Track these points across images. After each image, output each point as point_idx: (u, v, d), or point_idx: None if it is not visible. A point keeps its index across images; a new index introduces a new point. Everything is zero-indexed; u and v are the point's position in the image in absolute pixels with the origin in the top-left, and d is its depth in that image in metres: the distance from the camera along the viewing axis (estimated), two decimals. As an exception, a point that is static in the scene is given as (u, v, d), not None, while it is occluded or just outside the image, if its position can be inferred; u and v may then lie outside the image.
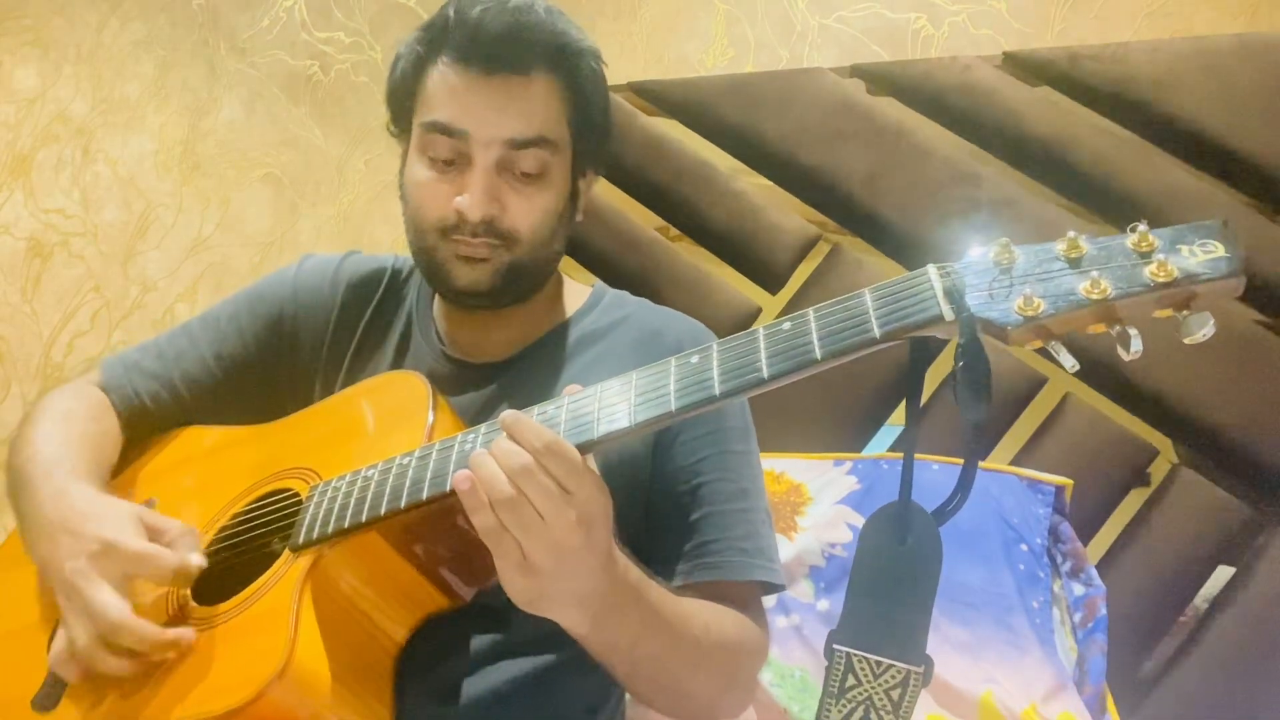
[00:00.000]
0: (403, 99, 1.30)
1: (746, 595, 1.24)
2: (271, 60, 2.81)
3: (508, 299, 1.30)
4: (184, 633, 1.06)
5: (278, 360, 1.41)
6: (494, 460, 0.93)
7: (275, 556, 1.11)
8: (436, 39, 1.25)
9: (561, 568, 0.94)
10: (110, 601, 1.05)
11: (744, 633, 1.20)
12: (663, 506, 1.25)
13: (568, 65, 1.26)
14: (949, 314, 0.83)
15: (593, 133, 1.31)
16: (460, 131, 1.22)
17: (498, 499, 0.92)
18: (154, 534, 1.12)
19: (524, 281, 1.30)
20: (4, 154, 2.32)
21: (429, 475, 1.03)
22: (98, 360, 1.45)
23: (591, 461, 0.97)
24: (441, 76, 1.25)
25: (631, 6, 2.80)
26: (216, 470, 1.31)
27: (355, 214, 2.95)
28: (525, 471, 0.91)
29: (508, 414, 0.95)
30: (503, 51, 1.21)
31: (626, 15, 2.80)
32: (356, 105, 2.73)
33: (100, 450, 1.33)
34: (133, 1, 2.54)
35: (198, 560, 1.09)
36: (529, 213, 1.25)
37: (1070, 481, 1.94)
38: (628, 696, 1.38)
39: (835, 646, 0.94)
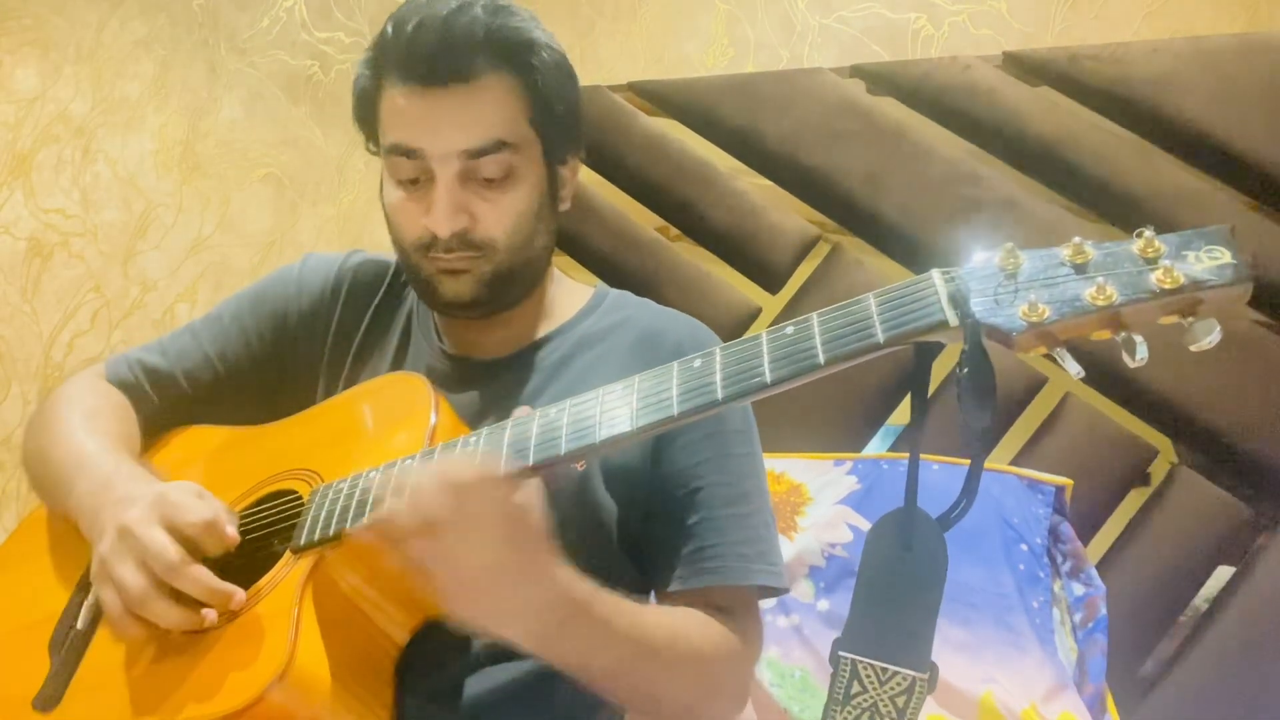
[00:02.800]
0: (367, 122, 1.30)
1: (743, 599, 1.23)
2: (271, 60, 2.81)
3: (498, 304, 1.29)
4: (236, 589, 1.06)
5: (280, 359, 1.40)
6: (408, 498, 0.95)
7: (277, 558, 1.11)
8: (380, 59, 1.24)
9: (481, 589, 0.96)
10: (166, 542, 1.04)
11: (721, 640, 1.18)
12: (662, 510, 1.25)
13: (516, 60, 1.23)
14: (953, 320, 0.83)
15: (558, 123, 1.28)
16: (416, 150, 1.21)
17: (410, 534, 0.94)
18: None
19: (512, 285, 1.29)
20: (4, 154, 2.31)
21: None
22: (98, 360, 1.45)
23: (536, 484, 0.99)
24: (391, 97, 1.23)
25: (631, 6, 2.80)
26: (218, 471, 1.31)
27: (355, 214, 2.94)
28: (432, 507, 0.93)
29: (441, 460, 0.98)
30: (441, 62, 1.19)
31: (626, 15, 2.79)
32: (356, 105, 2.72)
33: (133, 449, 1.33)
34: (133, 1, 2.53)
35: (232, 531, 1.09)
36: (500, 218, 1.24)
37: (1070, 481, 1.94)
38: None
39: (841, 653, 0.94)
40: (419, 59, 1.19)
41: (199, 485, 1.15)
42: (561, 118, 1.28)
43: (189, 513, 1.08)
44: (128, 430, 1.35)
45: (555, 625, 1.01)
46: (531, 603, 0.98)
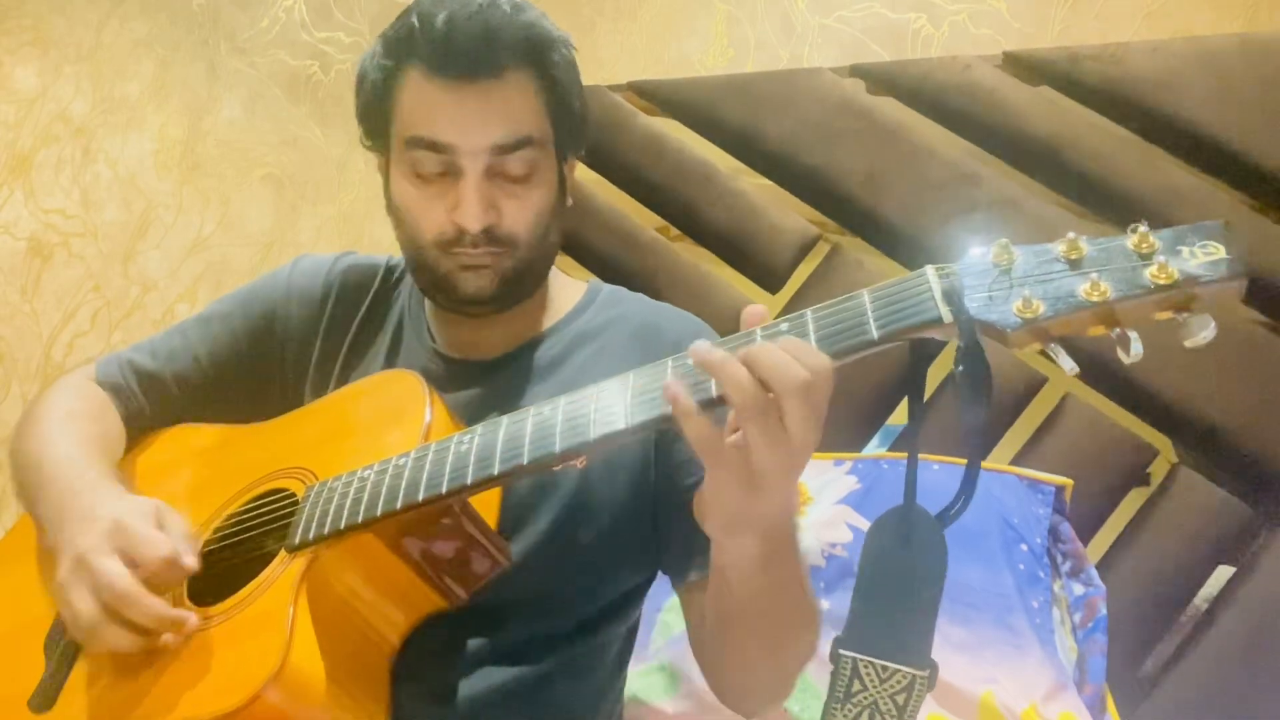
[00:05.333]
0: (376, 115, 1.28)
1: None
2: (271, 60, 2.81)
3: (511, 301, 1.29)
4: (187, 614, 1.05)
5: (269, 360, 1.40)
6: (762, 364, 0.86)
7: (271, 557, 1.11)
8: (403, 50, 1.22)
9: (784, 482, 0.88)
10: (117, 572, 1.04)
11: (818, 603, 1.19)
12: (671, 506, 1.24)
13: (540, 58, 1.23)
14: (947, 316, 0.82)
15: (572, 120, 1.29)
16: (445, 145, 1.20)
17: (752, 404, 0.84)
18: (164, 530, 1.11)
19: (526, 281, 1.29)
20: (4, 154, 2.31)
21: (425, 477, 1.03)
22: (94, 359, 1.46)
23: None
24: (416, 90, 1.21)
25: (631, 6, 2.80)
26: (212, 470, 1.31)
27: (356, 213, 2.94)
28: (794, 379, 0.84)
29: (790, 339, 0.87)
30: (476, 57, 1.18)
31: (626, 15, 2.80)
32: (356, 105, 2.72)
33: (107, 451, 1.33)
34: (133, 1, 2.53)
35: (190, 561, 1.08)
36: (524, 213, 1.24)
37: (1070, 481, 1.94)
38: (625, 695, 1.38)
39: (841, 651, 0.93)
40: (456, 53, 1.18)
41: (159, 505, 1.14)
42: (575, 115, 1.29)
43: (146, 546, 1.07)
44: (102, 430, 1.35)
45: (782, 544, 0.99)
46: (785, 511, 0.96)
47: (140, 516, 1.10)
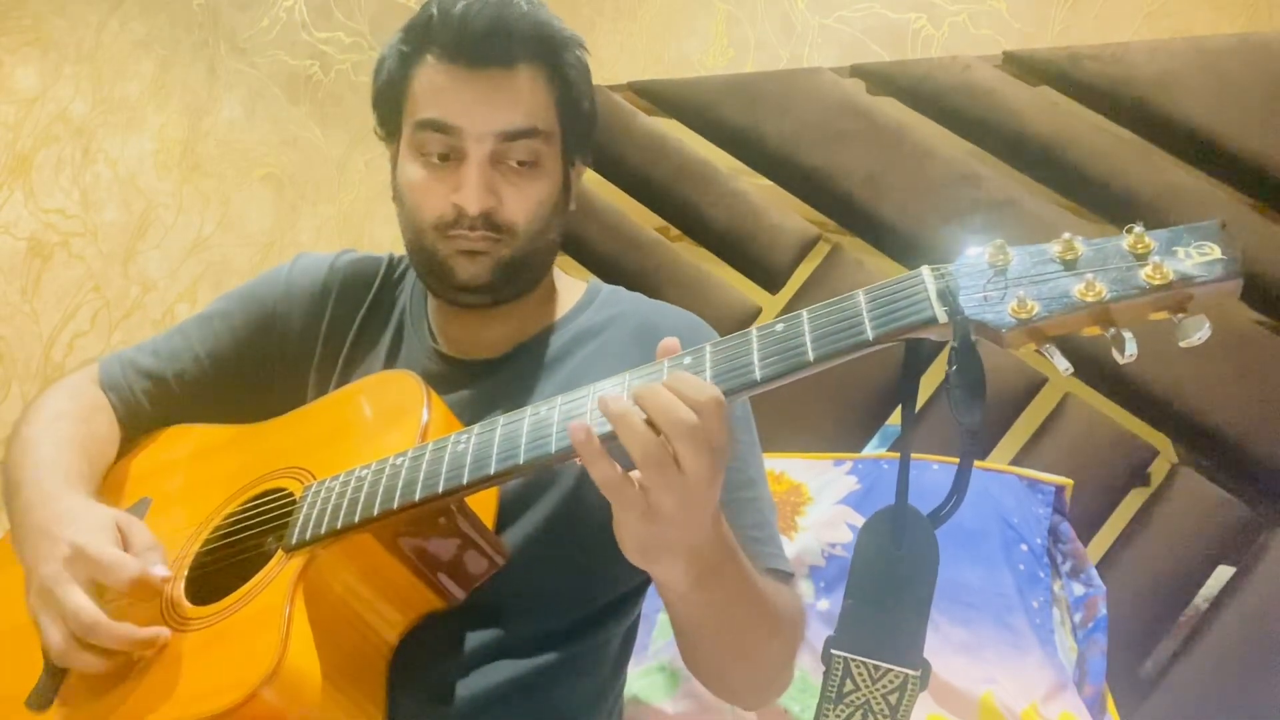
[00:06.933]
0: (390, 101, 1.30)
1: None
2: (271, 60, 2.81)
3: (507, 293, 1.30)
4: (159, 631, 1.06)
5: (268, 359, 1.41)
6: (639, 409, 0.89)
7: (269, 557, 1.11)
8: (420, 38, 1.26)
9: (685, 516, 0.90)
10: (82, 604, 1.05)
11: (799, 605, 1.21)
12: None
13: (552, 55, 1.27)
14: (942, 316, 0.83)
15: (580, 121, 1.31)
16: (452, 127, 1.23)
17: (650, 456, 0.88)
18: (127, 543, 1.12)
19: (523, 275, 1.30)
20: (4, 154, 2.31)
21: (422, 476, 1.03)
22: (97, 359, 1.47)
23: None
24: (429, 75, 1.25)
25: (631, 6, 2.81)
26: (211, 469, 1.31)
27: (355, 214, 2.94)
28: (679, 423, 0.87)
29: (679, 374, 0.90)
30: (488, 45, 1.22)
31: (626, 15, 2.80)
32: (356, 105, 2.72)
33: (90, 453, 1.33)
34: (133, 1, 2.53)
35: (160, 571, 1.09)
36: (524, 203, 1.25)
37: (1070, 481, 1.94)
38: (625, 695, 1.38)
39: (833, 651, 0.93)
40: (469, 40, 1.22)
41: (118, 517, 1.15)
42: (584, 116, 1.32)
43: (110, 571, 1.08)
44: (88, 432, 1.36)
45: (714, 566, 0.99)
46: (706, 538, 0.96)
47: (100, 534, 1.11)
